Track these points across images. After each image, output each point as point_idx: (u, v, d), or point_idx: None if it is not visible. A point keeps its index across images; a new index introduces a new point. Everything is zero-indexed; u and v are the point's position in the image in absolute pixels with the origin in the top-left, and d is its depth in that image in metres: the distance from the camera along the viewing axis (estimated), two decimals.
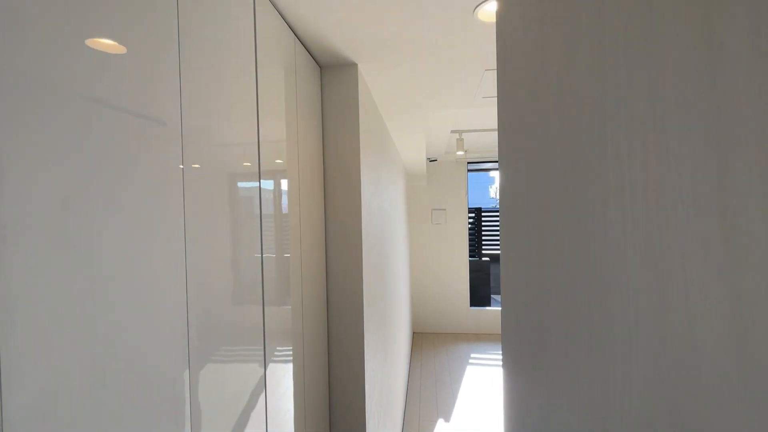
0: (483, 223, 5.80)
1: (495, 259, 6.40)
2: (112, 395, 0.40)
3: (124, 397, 0.42)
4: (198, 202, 0.57)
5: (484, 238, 5.81)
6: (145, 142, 0.47)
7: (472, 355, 4.24)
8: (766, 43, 0.19)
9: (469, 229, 5.06)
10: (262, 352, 0.80)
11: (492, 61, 1.30)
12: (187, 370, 0.53)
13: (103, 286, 0.40)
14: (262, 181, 0.81)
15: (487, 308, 5.00)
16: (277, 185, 0.93)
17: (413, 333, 4.88)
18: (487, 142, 4.09)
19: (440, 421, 3.01)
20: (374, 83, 1.49)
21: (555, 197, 0.39)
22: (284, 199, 0.98)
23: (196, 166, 0.57)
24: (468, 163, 4.91)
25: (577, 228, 0.35)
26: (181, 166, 0.54)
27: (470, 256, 5.10)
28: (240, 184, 0.73)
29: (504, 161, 0.51)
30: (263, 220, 0.81)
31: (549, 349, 0.40)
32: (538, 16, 0.41)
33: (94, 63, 0.40)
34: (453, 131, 3.39)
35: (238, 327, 0.70)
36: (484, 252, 5.78)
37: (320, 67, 1.29)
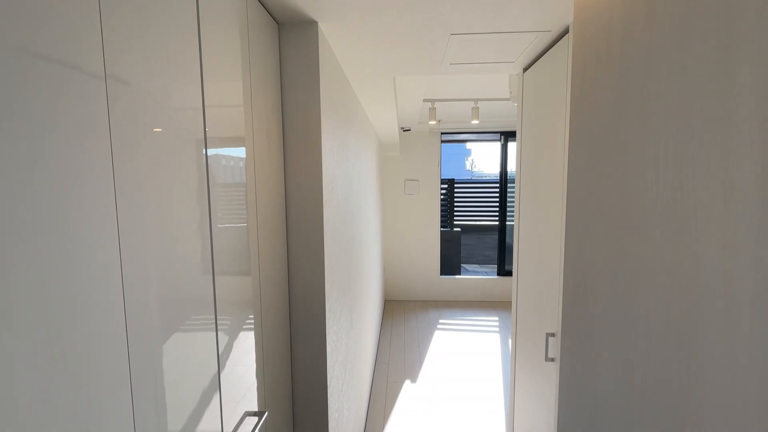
0: (456, 195, 5.88)
1: (466, 229, 6.55)
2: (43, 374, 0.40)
3: (66, 370, 0.42)
4: (128, 165, 0.54)
5: (456, 209, 5.91)
6: (61, 92, 0.44)
7: (440, 321, 4.41)
8: None
9: (442, 200, 5.13)
10: (213, 322, 0.80)
11: (458, 25, 1.27)
12: (125, 345, 0.53)
13: (21, 249, 0.39)
14: (209, 149, 0.78)
15: (457, 277, 5.16)
16: (229, 152, 0.91)
17: (385, 301, 5.00)
18: (461, 113, 4.07)
19: (407, 382, 3.16)
20: (337, 45, 1.44)
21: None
22: (238, 167, 0.96)
23: (127, 126, 0.54)
24: (442, 134, 4.90)
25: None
26: (109, 126, 0.51)
27: (442, 226, 5.20)
28: (182, 150, 0.70)
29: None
30: (211, 189, 0.79)
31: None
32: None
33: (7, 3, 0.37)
34: (425, 100, 3.35)
35: (183, 297, 0.69)
36: (455, 222, 5.89)
37: (278, 24, 1.22)
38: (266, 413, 1.00)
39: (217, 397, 0.80)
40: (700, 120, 0.50)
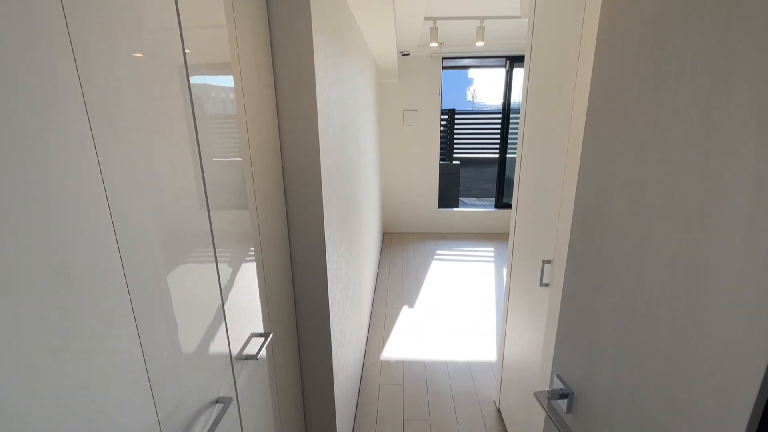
0: (456, 126, 5.69)
1: (465, 162, 6.46)
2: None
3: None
4: (99, 91, 0.48)
5: (456, 141, 5.75)
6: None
7: (438, 252, 4.54)
8: None
9: (442, 132, 4.97)
10: (213, 254, 0.79)
11: None
12: (123, 278, 0.52)
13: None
14: (191, 77, 0.70)
15: (455, 209, 5.20)
16: (215, 81, 0.82)
17: (383, 233, 5.10)
18: (465, 34, 3.77)
19: (405, 308, 3.34)
20: None
21: None
22: (227, 98, 0.88)
23: (92, 47, 0.47)
24: (443, 59, 4.59)
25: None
26: (71, 44, 0.44)
27: (441, 159, 5.11)
28: (160, 78, 0.62)
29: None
30: (198, 121, 0.73)
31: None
32: None
33: None
34: (427, 18, 3.07)
35: (177, 232, 0.67)
36: (455, 155, 5.78)
37: None
38: (271, 334, 1.04)
39: (222, 322, 0.83)
40: (741, 30, 0.44)
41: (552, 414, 0.79)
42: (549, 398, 0.80)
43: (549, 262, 1.41)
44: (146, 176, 0.58)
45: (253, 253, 1.02)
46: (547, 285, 1.44)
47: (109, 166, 0.50)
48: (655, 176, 0.56)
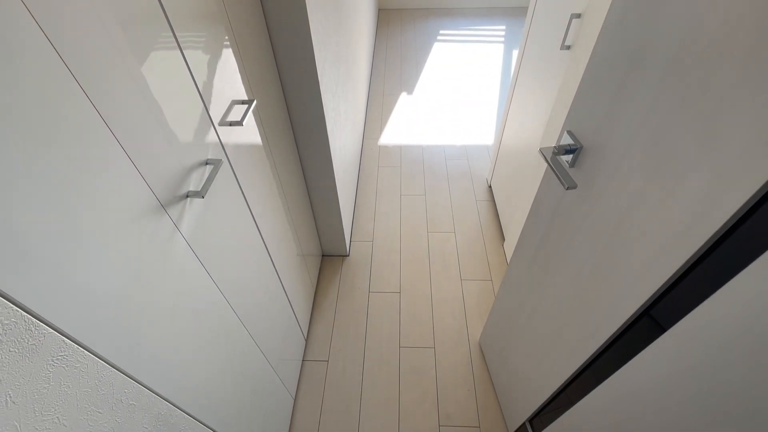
0: None
1: None
2: None
3: None
4: None
5: None
6: None
7: (441, 32, 3.99)
8: None
9: None
10: (173, 38, 0.61)
11: None
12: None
13: None
14: None
15: None
16: None
17: (379, 10, 4.36)
18: None
19: (403, 94, 3.16)
20: None
21: None
22: None
23: None
24: None
25: None
26: None
27: None
28: None
29: None
30: None
31: None
32: None
33: None
34: None
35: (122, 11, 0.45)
36: None
37: None
38: (255, 101, 0.94)
39: (195, 92, 0.70)
40: None
41: (555, 167, 0.76)
42: (555, 153, 0.77)
43: (578, 16, 1.17)
44: None
45: (221, 27, 0.80)
46: (569, 47, 1.24)
47: None
48: None
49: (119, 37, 0.52)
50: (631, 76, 0.60)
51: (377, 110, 2.99)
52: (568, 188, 0.72)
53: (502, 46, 3.76)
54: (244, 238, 0.97)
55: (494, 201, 2.26)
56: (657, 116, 0.56)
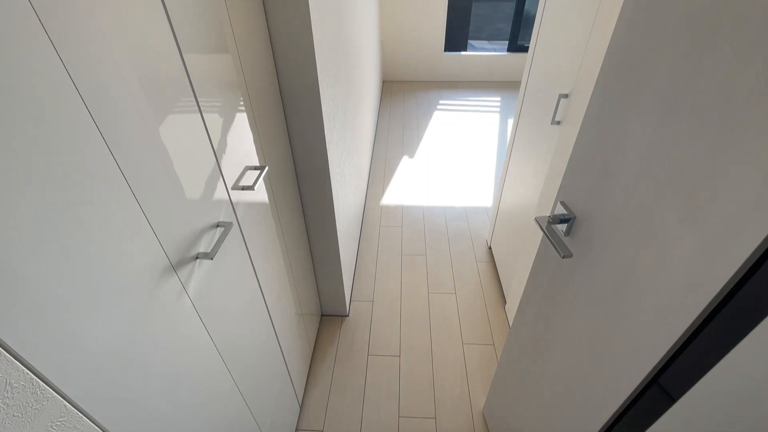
0: None
1: None
2: None
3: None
4: None
5: None
6: None
7: (441, 101, 4.28)
8: None
9: None
10: (194, 102, 0.68)
11: None
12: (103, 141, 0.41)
13: None
14: None
15: (462, 53, 4.69)
16: None
17: (383, 81, 4.72)
18: None
19: (405, 157, 3.32)
20: None
21: None
22: None
23: None
24: None
25: None
26: None
27: None
28: None
29: None
30: None
31: None
32: None
33: None
34: None
35: (150, 78, 0.54)
36: None
37: None
38: (266, 167, 1.00)
39: (212, 157, 0.77)
40: None
41: (550, 235, 0.80)
42: (550, 222, 0.81)
43: (566, 96, 1.28)
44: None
45: (237, 90, 0.90)
46: (558, 123, 1.35)
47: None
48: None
49: (147, 100, 0.58)
50: (613, 156, 0.66)
51: (380, 172, 3.12)
52: (564, 257, 0.74)
53: (497, 115, 4.01)
54: (246, 297, 0.98)
55: (494, 262, 2.28)
56: (638, 193, 0.60)
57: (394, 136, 3.62)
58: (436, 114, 4.02)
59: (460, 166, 3.18)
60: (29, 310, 0.39)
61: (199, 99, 0.71)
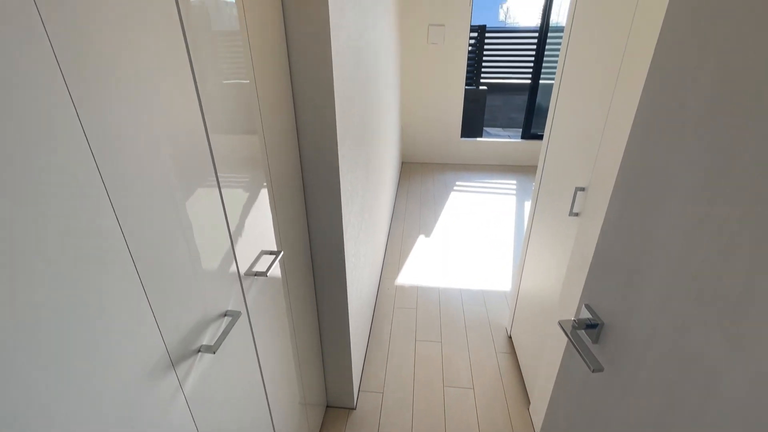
0: (486, 46, 5.17)
1: (493, 89, 5.99)
2: None
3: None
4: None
5: (484, 62, 5.27)
6: None
7: (458, 183, 4.41)
8: None
9: (469, 51, 4.52)
10: (214, 178, 0.72)
11: None
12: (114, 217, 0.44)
13: None
14: None
15: (478, 139, 4.94)
16: None
17: (402, 163, 4.95)
18: None
19: (421, 236, 3.32)
20: None
21: None
22: (225, 12, 0.74)
23: None
24: None
25: None
26: None
27: (467, 84, 4.73)
28: None
29: None
30: (188, 34, 0.60)
31: None
32: None
33: None
34: None
35: (173, 156, 0.58)
36: (482, 80, 5.34)
37: None
38: (282, 252, 1.00)
39: (227, 240, 0.78)
40: None
41: (576, 342, 0.74)
42: (575, 327, 0.75)
43: (582, 189, 1.29)
44: (130, 103, 0.48)
45: (261, 173, 0.94)
46: (577, 214, 1.34)
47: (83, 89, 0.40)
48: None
49: (166, 183, 0.59)
50: (641, 262, 0.62)
51: (396, 251, 3.11)
52: (594, 371, 0.67)
53: (513, 197, 4.07)
54: (246, 389, 0.91)
55: (515, 354, 2.11)
56: (672, 306, 0.55)
57: (411, 215, 3.68)
58: (452, 195, 4.11)
59: (476, 248, 3.14)
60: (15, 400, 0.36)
61: (220, 180, 0.73)
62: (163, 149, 0.57)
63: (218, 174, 0.73)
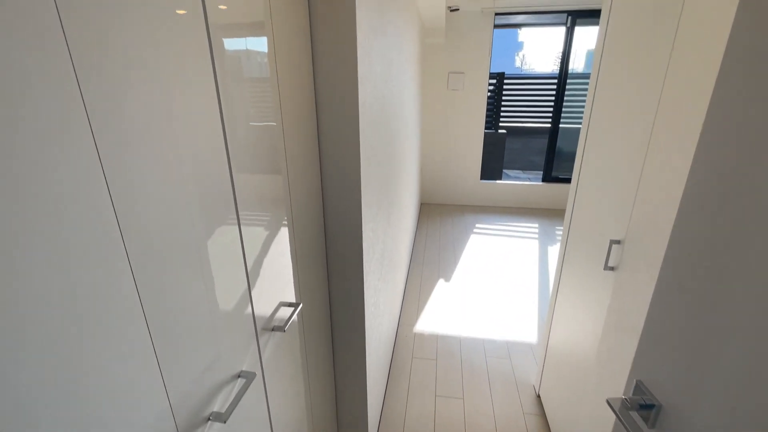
0: (505, 92, 5.28)
1: (512, 132, 6.04)
2: None
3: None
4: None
5: (503, 108, 5.36)
6: None
7: (477, 225, 4.34)
8: None
9: (489, 97, 4.62)
10: (236, 220, 0.70)
11: None
12: (130, 270, 0.42)
13: None
14: (211, 32, 0.59)
15: (498, 182, 4.92)
16: (243, 42, 0.71)
17: (421, 204, 4.94)
18: None
19: (440, 281, 3.22)
20: None
21: None
22: (257, 60, 0.76)
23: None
24: (496, 15, 4.18)
25: None
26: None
27: (486, 128, 4.79)
28: (176, 34, 0.50)
29: None
30: (220, 81, 0.62)
31: None
32: None
33: None
34: None
35: (194, 195, 0.57)
36: (501, 124, 5.41)
37: None
38: (300, 305, 0.96)
39: (245, 292, 0.74)
40: None
41: (629, 425, 0.64)
42: (627, 407, 0.66)
43: (618, 242, 1.22)
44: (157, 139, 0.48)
45: (283, 220, 0.92)
46: (612, 268, 1.25)
47: (103, 120, 0.39)
48: None
49: (185, 234, 0.57)
50: (707, 341, 0.55)
51: (414, 296, 3.01)
52: None
53: (536, 242, 3.95)
54: None
55: (545, 417, 1.94)
56: (750, 395, 0.47)
57: (430, 258, 3.60)
58: (472, 237, 4.03)
59: (498, 294, 3.01)
60: None
61: (241, 219, 0.71)
62: (182, 204, 0.55)
63: (239, 213, 0.71)
